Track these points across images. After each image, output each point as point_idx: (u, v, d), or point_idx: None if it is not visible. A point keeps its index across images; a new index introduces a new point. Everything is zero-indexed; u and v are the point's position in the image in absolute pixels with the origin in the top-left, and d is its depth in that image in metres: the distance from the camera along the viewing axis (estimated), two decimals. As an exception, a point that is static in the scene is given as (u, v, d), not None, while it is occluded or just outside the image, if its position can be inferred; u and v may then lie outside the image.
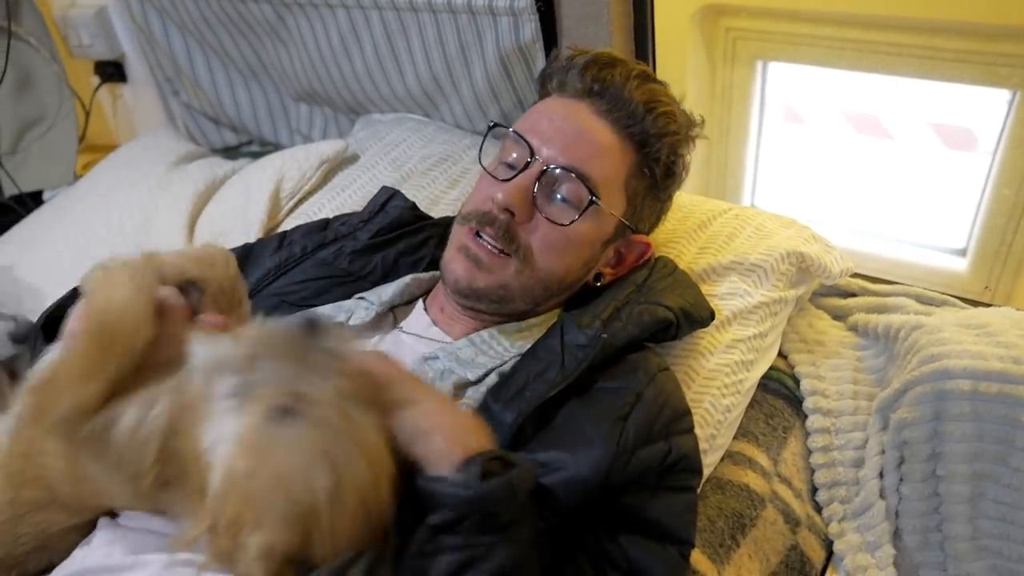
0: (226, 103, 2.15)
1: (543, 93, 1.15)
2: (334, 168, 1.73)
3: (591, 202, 1.04)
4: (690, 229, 1.39)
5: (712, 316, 1.15)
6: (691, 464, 0.96)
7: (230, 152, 2.26)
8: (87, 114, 2.42)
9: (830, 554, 1.21)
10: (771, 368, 1.32)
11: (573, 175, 1.04)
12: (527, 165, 1.05)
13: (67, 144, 2.31)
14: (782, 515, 1.18)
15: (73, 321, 0.82)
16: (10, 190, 2.25)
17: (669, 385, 1.01)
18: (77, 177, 2.27)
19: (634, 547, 0.87)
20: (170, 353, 0.74)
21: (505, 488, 0.71)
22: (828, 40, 1.68)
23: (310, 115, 2.09)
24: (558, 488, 0.86)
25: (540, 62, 1.54)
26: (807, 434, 1.28)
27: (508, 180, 1.05)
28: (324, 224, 1.36)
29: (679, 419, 0.98)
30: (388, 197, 1.34)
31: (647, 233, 1.17)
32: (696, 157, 1.91)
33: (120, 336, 0.72)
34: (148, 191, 1.79)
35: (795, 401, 1.32)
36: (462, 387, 0.98)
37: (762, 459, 1.22)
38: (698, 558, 1.07)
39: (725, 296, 1.27)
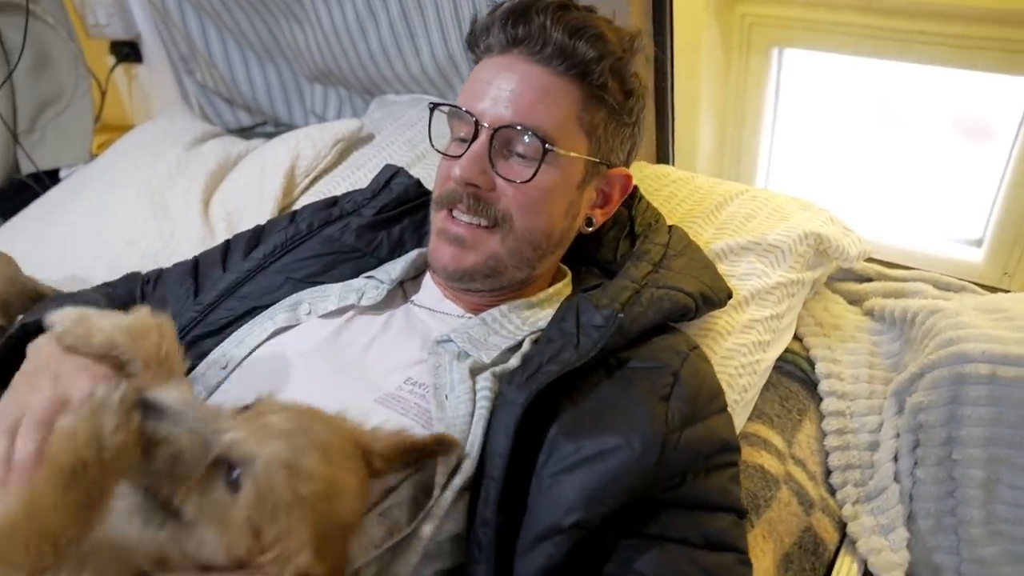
0: (241, 83, 2.15)
1: (475, 60, 1.12)
2: (349, 147, 1.74)
3: (546, 150, 1.01)
4: (707, 210, 1.38)
5: (729, 296, 1.15)
6: (732, 444, 0.96)
7: (244, 133, 2.26)
8: (103, 94, 2.43)
9: (843, 536, 1.21)
10: (786, 350, 1.32)
11: (520, 129, 1.01)
12: (476, 134, 1.03)
13: (83, 123, 2.32)
14: (796, 497, 1.18)
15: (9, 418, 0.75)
16: (27, 168, 2.27)
17: (703, 365, 1.01)
18: (93, 156, 2.28)
19: (703, 528, 0.88)
20: None
21: None
22: (845, 27, 1.66)
23: (325, 96, 2.09)
24: (614, 473, 0.86)
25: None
26: (822, 417, 1.28)
27: (460, 156, 1.03)
28: (333, 201, 1.36)
29: (716, 398, 0.98)
30: (392, 174, 1.33)
31: (626, 165, 1.14)
32: (709, 141, 1.92)
33: (94, 474, 0.62)
34: (164, 170, 1.79)
35: (810, 384, 1.32)
36: (478, 370, 0.97)
37: (777, 441, 1.22)
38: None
39: (743, 276, 1.26)
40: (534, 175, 1.01)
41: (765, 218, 1.36)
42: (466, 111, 1.03)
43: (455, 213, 1.04)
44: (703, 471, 0.92)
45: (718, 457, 0.94)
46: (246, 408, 0.72)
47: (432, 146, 1.11)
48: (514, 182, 1.02)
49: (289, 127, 2.15)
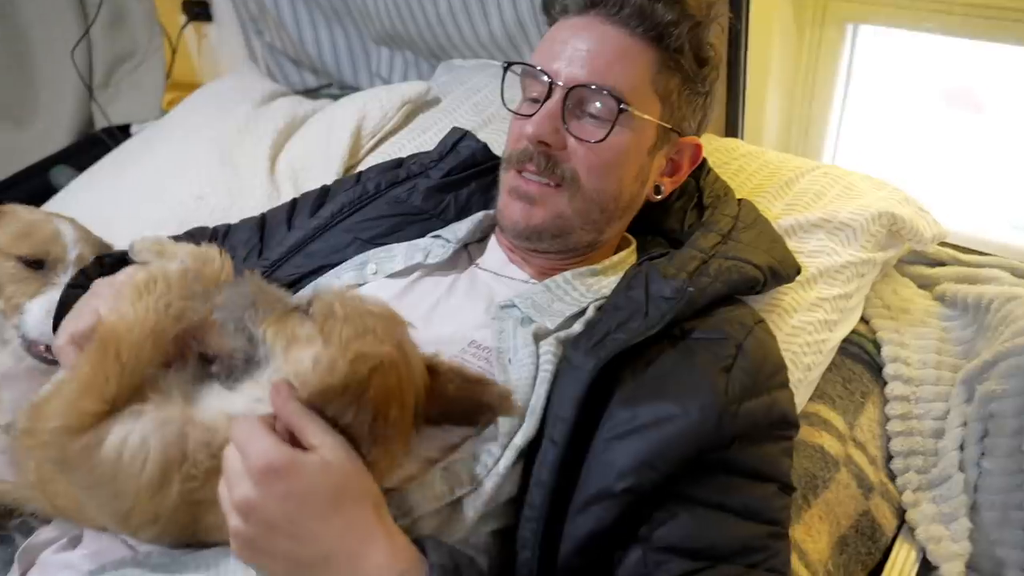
0: (308, 44, 2.16)
1: (550, 22, 1.11)
2: (416, 110, 1.74)
3: (620, 110, 1.01)
4: (777, 185, 1.36)
5: (798, 271, 1.13)
6: (791, 419, 0.95)
7: (309, 94, 2.27)
8: (173, 52, 2.48)
9: (902, 523, 1.19)
10: (852, 332, 1.29)
11: (595, 89, 1.01)
12: (549, 94, 1.02)
13: (155, 80, 2.37)
14: (856, 479, 1.16)
15: (74, 331, 0.87)
16: (100, 123, 2.33)
17: (767, 339, 0.99)
18: (163, 113, 2.32)
19: (742, 495, 0.87)
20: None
21: None
22: (924, 2, 1.60)
23: (391, 59, 2.09)
24: (669, 441, 0.85)
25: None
26: (885, 401, 1.25)
27: (532, 116, 1.03)
28: (399, 163, 1.37)
29: (778, 373, 0.97)
30: (459, 137, 1.32)
31: (696, 134, 1.13)
32: (775, 115, 1.88)
33: (126, 358, 0.76)
34: (233, 127, 1.82)
35: (874, 367, 1.29)
36: (542, 335, 0.97)
37: (838, 422, 1.20)
38: (768, 514, 1.06)
39: (812, 253, 1.24)
40: (607, 135, 1.01)
41: (836, 196, 1.32)
42: (541, 70, 1.03)
43: (525, 173, 1.04)
44: (753, 439, 0.90)
45: (774, 430, 0.93)
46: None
47: (504, 105, 1.10)
48: (586, 142, 1.02)
49: (354, 90, 2.16)
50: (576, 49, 1.02)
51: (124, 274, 0.98)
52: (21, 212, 1.26)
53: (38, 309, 1.18)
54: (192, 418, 0.76)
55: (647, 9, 1.01)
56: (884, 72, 1.80)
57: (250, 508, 0.69)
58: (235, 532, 0.71)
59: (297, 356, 0.74)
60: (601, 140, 1.01)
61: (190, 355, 0.82)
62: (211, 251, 0.93)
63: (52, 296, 1.16)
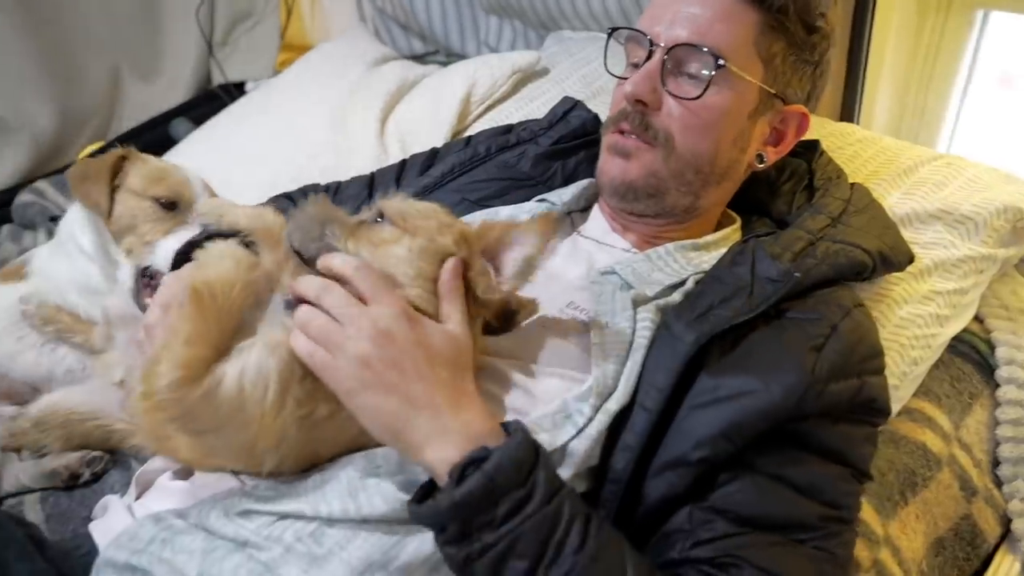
0: (419, 10, 2.19)
1: None
2: (524, 79, 1.75)
3: (718, 66, 0.99)
4: (895, 173, 1.31)
5: (910, 260, 1.09)
6: (880, 405, 0.92)
7: (416, 60, 2.30)
8: (288, 13, 2.55)
9: (1007, 532, 1.14)
10: (964, 330, 1.23)
11: (695, 47, 1.00)
12: (649, 55, 1.03)
13: (270, 39, 2.45)
14: (958, 481, 1.12)
15: (168, 292, 0.92)
16: (217, 79, 2.42)
17: (865, 322, 0.97)
18: (275, 72, 2.40)
19: (807, 471, 0.86)
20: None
21: (478, 490, 0.72)
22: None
23: (499, 28, 2.10)
24: (747, 414, 0.85)
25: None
26: (996, 404, 1.20)
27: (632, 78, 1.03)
28: (508, 128, 1.38)
29: (873, 358, 0.94)
30: (570, 107, 1.33)
31: (805, 104, 1.10)
32: (888, 100, 1.80)
33: (222, 300, 0.83)
34: (346, 88, 1.87)
35: (986, 368, 1.24)
36: (641, 302, 0.98)
37: (943, 421, 1.16)
38: (863, 508, 1.03)
39: (927, 245, 1.19)
40: (703, 92, 1.00)
41: (959, 187, 1.27)
42: (642, 33, 1.03)
43: (622, 132, 1.06)
44: (832, 417, 0.89)
45: (858, 413, 0.91)
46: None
47: (607, 70, 1.11)
48: (682, 100, 1.01)
49: (460, 57, 2.18)
50: (678, 11, 1.02)
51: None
52: (152, 159, 1.32)
53: (173, 245, 1.24)
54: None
55: None
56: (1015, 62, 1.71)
57: (386, 338, 0.77)
58: (362, 358, 0.77)
59: (390, 253, 0.84)
60: (697, 97, 1.01)
61: (268, 296, 0.89)
62: (266, 211, 1.02)
63: (185, 235, 1.22)
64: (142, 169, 1.27)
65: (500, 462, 0.73)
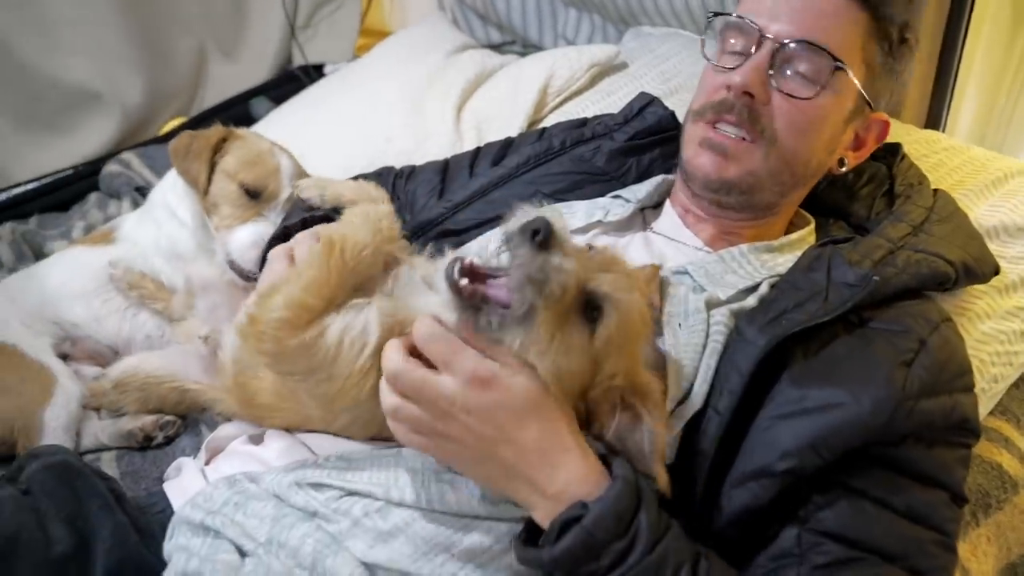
0: (498, 0, 2.20)
1: None
2: (602, 73, 1.75)
3: (836, 67, 0.98)
4: (982, 184, 1.27)
5: (995, 272, 1.06)
6: (971, 426, 0.90)
7: (493, 49, 2.31)
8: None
9: (1082, 561, 1.10)
10: (1049, 350, 1.19)
11: (809, 46, 0.98)
12: (758, 46, 1.00)
13: (350, 24, 2.50)
14: (1034, 506, 1.08)
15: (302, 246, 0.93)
16: (297, 60, 2.48)
17: (954, 338, 0.94)
18: (354, 56, 2.44)
19: (908, 496, 0.84)
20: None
21: (578, 546, 0.73)
22: None
23: (578, 21, 2.10)
24: (836, 428, 0.84)
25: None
26: (1078, 429, 1.16)
27: (739, 67, 1.00)
28: (583, 122, 1.38)
29: (963, 375, 0.92)
30: (646, 103, 1.32)
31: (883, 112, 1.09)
32: (974, 108, 1.74)
33: (349, 257, 0.85)
34: (424, 74, 1.89)
35: (1069, 391, 1.19)
36: (714, 304, 0.97)
37: (1021, 443, 1.13)
38: (932, 524, 1.01)
39: (1014, 259, 1.16)
40: (817, 93, 0.99)
41: (1053, 202, 1.22)
42: (750, 22, 1.01)
43: (720, 125, 1.03)
44: (927, 441, 0.87)
45: (951, 434, 0.88)
46: (590, 248, 0.82)
47: (704, 56, 1.09)
48: (794, 98, 1.00)
49: (537, 48, 2.18)
50: (787, 4, 1.00)
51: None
52: (252, 140, 1.36)
53: (244, 236, 1.28)
54: (405, 313, 0.83)
55: None
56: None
57: (462, 411, 0.76)
58: (443, 435, 0.77)
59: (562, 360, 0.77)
60: (810, 98, 0.99)
61: (390, 268, 0.92)
62: (369, 184, 1.05)
63: (258, 228, 1.27)
64: (239, 151, 1.31)
65: (600, 515, 0.74)
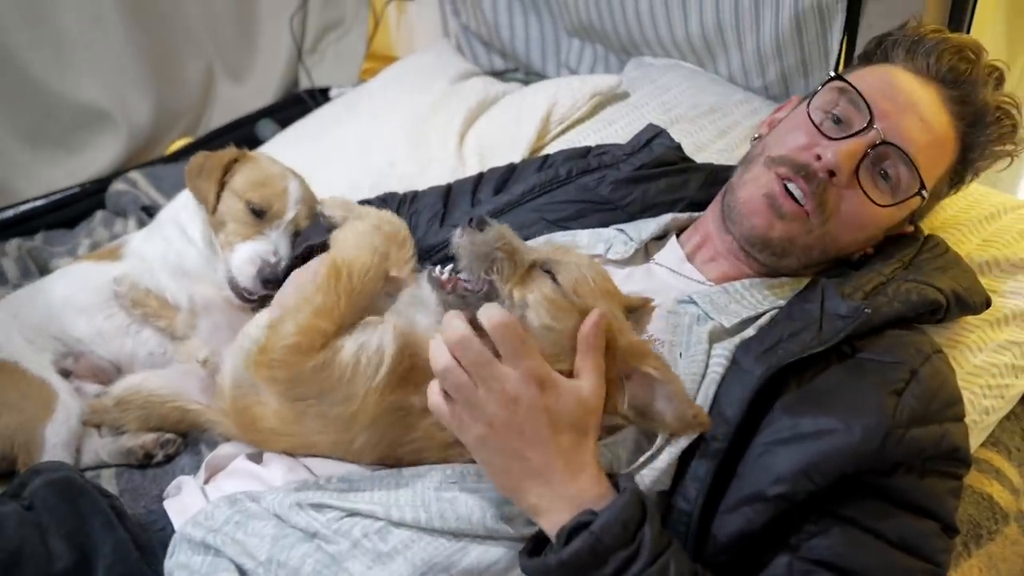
0: (503, 28, 2.23)
1: (879, 58, 1.10)
2: (604, 102, 1.77)
3: (919, 194, 1.02)
4: (975, 219, 1.29)
5: (986, 304, 1.08)
6: (962, 455, 0.91)
7: (496, 76, 2.34)
8: (376, 25, 2.63)
9: (1072, 592, 1.11)
10: (1040, 383, 1.21)
11: (908, 159, 1.00)
12: (863, 131, 1.01)
13: (357, 49, 2.54)
14: (1025, 537, 1.09)
15: (307, 272, 0.97)
16: (304, 84, 2.51)
17: (945, 369, 0.96)
18: (359, 80, 2.47)
19: (900, 526, 0.85)
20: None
21: (585, 550, 0.76)
22: None
23: (581, 50, 2.13)
24: (828, 454, 0.85)
25: (839, 24, 1.48)
26: (1070, 463, 1.17)
27: (837, 139, 1.01)
28: (586, 151, 1.40)
29: (953, 405, 0.93)
30: (654, 135, 1.34)
31: None
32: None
33: (356, 280, 0.88)
34: (428, 101, 1.92)
35: (1061, 424, 1.21)
36: (717, 335, 0.98)
37: (1011, 474, 1.14)
38: (923, 555, 1.02)
39: (1007, 294, 1.17)
40: (890, 205, 1.03)
41: (1045, 238, 1.24)
42: (867, 103, 1.02)
43: (790, 187, 1.03)
44: (919, 471, 0.88)
45: (941, 463, 0.90)
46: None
47: (807, 113, 1.06)
48: (867, 198, 1.02)
49: (540, 76, 2.21)
50: (908, 109, 1.02)
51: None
52: (263, 163, 1.38)
53: (243, 252, 1.29)
54: (416, 333, 0.87)
55: (985, 121, 1.04)
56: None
57: (513, 403, 0.78)
58: (487, 420, 0.79)
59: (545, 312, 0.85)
60: (883, 206, 1.03)
61: (396, 290, 0.96)
62: (392, 215, 1.10)
63: (256, 246, 1.28)
64: (250, 172, 1.34)
65: (607, 522, 0.76)
